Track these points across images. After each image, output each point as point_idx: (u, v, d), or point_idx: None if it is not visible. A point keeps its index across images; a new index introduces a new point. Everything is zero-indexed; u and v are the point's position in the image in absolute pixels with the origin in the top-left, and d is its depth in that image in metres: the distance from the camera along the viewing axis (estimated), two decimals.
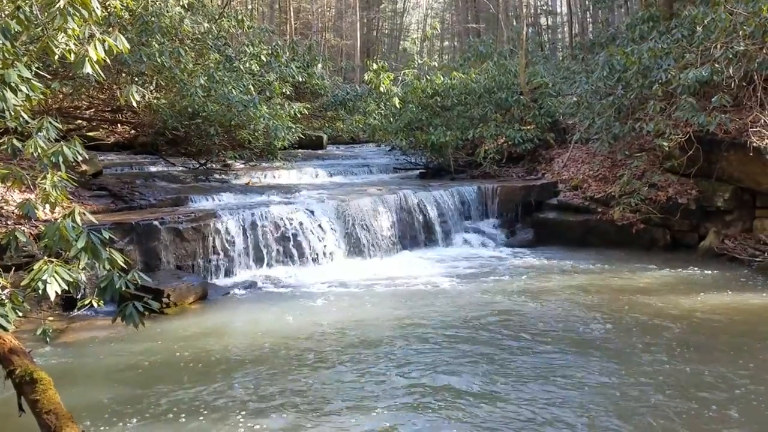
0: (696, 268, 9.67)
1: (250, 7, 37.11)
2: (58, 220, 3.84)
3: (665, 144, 10.60)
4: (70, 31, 4.01)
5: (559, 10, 38.31)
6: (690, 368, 5.77)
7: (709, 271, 9.50)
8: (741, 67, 9.86)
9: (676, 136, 10.48)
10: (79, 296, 6.85)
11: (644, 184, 11.02)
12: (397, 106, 15.09)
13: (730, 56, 9.71)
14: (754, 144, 9.72)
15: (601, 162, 12.48)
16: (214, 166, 15.03)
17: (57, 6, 3.90)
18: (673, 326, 6.95)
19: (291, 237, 9.98)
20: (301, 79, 16.58)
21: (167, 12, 10.97)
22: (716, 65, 9.79)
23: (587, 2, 25.30)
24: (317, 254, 10.11)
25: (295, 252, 9.95)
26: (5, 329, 3.80)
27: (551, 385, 5.43)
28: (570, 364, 5.91)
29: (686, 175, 10.92)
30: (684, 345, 6.40)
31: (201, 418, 4.88)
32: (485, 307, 7.74)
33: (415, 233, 11.47)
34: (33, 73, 4.36)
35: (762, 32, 9.54)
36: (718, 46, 9.92)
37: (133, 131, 16.27)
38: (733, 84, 9.94)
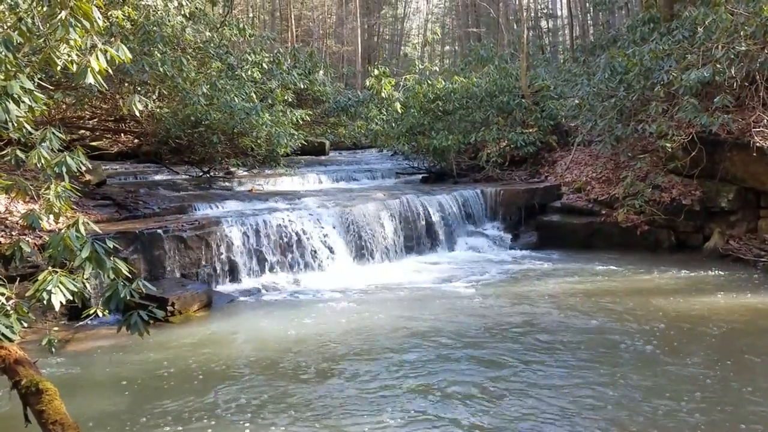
0: (703, 270, 9.64)
1: (251, 15, 37.29)
2: (63, 231, 3.84)
3: (668, 145, 10.60)
4: (72, 42, 4.02)
5: (559, 13, 38.37)
6: (728, 379, 5.53)
7: (717, 272, 9.47)
8: (743, 68, 9.85)
9: (678, 137, 10.48)
10: (83, 306, 6.86)
11: (648, 186, 11.01)
12: (399, 111, 15.08)
13: (732, 56, 9.70)
14: (758, 144, 9.71)
15: (604, 164, 12.46)
16: (217, 173, 15.06)
17: (59, 17, 3.92)
18: (696, 330, 6.81)
19: (295, 243, 9.99)
20: (302, 86, 16.62)
21: (169, 21, 11.00)
22: (718, 66, 9.78)
23: (588, 5, 25.33)
24: (321, 260, 10.11)
25: (299, 258, 9.95)
26: (10, 340, 3.80)
27: (571, 397, 5.21)
28: (591, 374, 5.68)
29: (690, 176, 10.91)
30: (713, 351, 6.21)
31: (205, 426, 4.86)
32: (493, 312, 7.71)
33: (418, 238, 11.46)
34: (35, 84, 4.38)
35: (763, 32, 9.54)
36: (720, 47, 9.91)
37: (136, 140, 16.33)
38: (735, 84, 9.94)
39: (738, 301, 7.95)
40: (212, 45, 13.06)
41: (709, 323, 7.04)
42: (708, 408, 5.00)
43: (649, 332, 6.81)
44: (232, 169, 15.17)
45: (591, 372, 5.77)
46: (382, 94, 14.73)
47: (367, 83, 15.42)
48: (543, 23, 37.20)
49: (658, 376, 5.66)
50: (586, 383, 5.52)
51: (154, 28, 10.29)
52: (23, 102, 3.94)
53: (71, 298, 3.80)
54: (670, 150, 10.76)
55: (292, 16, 36.41)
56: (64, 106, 12.43)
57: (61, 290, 3.72)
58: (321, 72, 19.54)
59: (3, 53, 3.79)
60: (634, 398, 5.19)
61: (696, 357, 6.08)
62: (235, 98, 12.11)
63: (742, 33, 9.74)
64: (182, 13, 11.93)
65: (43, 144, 4.22)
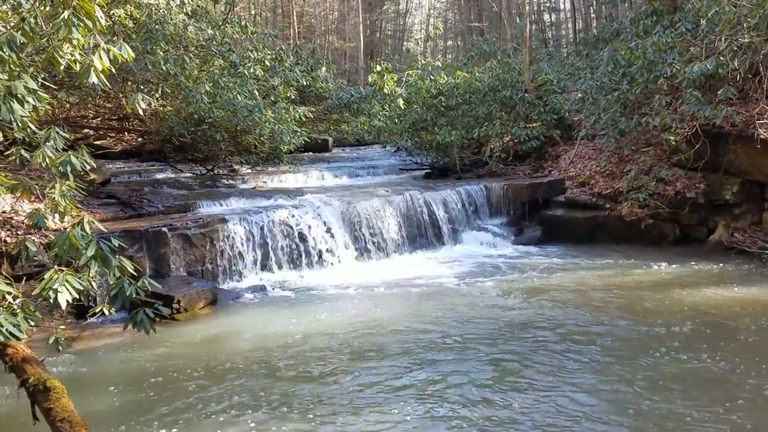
0: (710, 263, 9.57)
1: (253, 12, 37.23)
2: (68, 229, 3.87)
3: (672, 138, 10.56)
4: (75, 42, 4.04)
5: (562, 7, 38.24)
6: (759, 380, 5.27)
7: (724, 265, 9.41)
8: (746, 60, 9.80)
9: (682, 130, 10.45)
10: (89, 304, 6.90)
11: (652, 179, 10.98)
12: (402, 107, 15.09)
13: (735, 49, 9.66)
14: (762, 136, 9.67)
15: (607, 158, 12.44)
16: (220, 171, 15.08)
17: (61, 17, 3.94)
18: (724, 327, 6.61)
19: (299, 240, 10.01)
20: (305, 83, 16.64)
21: (171, 20, 11.01)
22: (721, 58, 9.74)
23: None
24: (325, 257, 10.12)
25: (303, 255, 9.97)
26: (18, 338, 3.83)
27: (595, 403, 5.02)
28: (615, 377, 5.48)
29: (694, 169, 10.88)
30: (747, 351, 5.94)
31: (212, 424, 4.89)
32: (501, 308, 7.68)
33: (422, 234, 11.47)
34: (39, 84, 4.40)
35: (766, 24, 9.49)
36: (723, 39, 9.87)
37: (140, 139, 16.34)
38: (738, 76, 9.89)
39: (757, 296, 7.78)
40: (214, 43, 13.07)
41: (735, 320, 6.85)
42: (750, 415, 4.71)
43: (674, 330, 6.61)
44: (236, 167, 15.20)
45: (615, 374, 5.53)
46: (385, 90, 14.74)
47: (370, 79, 15.44)
48: (546, 17, 37.09)
49: (691, 379, 5.41)
50: (611, 388, 5.27)
51: (157, 26, 10.31)
52: (27, 102, 3.96)
53: (77, 296, 3.83)
54: (673, 143, 10.73)
55: (294, 13, 36.38)
56: (67, 106, 12.47)
57: (67, 289, 3.75)
58: (323, 69, 19.57)
59: (7, 53, 3.81)
60: (671, 401, 4.97)
61: (732, 359, 5.78)
62: (238, 96, 12.13)
63: (745, 25, 9.69)
64: (184, 11, 11.94)
65: (47, 143, 4.25)
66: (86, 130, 14.37)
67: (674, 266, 9.47)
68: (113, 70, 4.22)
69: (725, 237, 10.47)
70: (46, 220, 4.47)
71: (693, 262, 9.62)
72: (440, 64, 20.76)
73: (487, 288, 8.65)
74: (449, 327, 7.01)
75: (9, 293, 3.92)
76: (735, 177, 10.65)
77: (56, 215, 4.50)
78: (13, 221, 8.19)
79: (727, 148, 10.51)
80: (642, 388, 5.26)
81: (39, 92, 4.12)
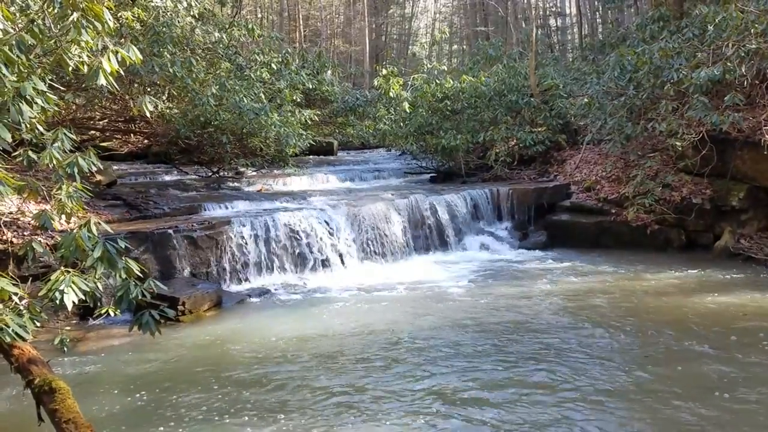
0: (717, 269, 9.50)
1: (259, 15, 37.39)
2: (74, 231, 3.88)
3: (678, 144, 10.53)
4: (83, 44, 4.06)
5: (568, 12, 38.22)
6: None
7: (730, 272, 9.34)
8: (753, 66, 9.78)
9: (689, 135, 10.41)
10: (95, 305, 6.90)
11: (658, 185, 10.95)
12: (407, 110, 15.09)
13: (742, 54, 9.63)
14: None
15: (613, 163, 12.41)
16: (226, 174, 15.12)
17: (70, 19, 3.96)
18: (747, 335, 6.48)
19: (304, 243, 10.01)
20: (311, 86, 16.64)
21: (178, 22, 11.05)
22: (728, 64, 9.71)
23: (596, 3, 25.22)
24: (330, 260, 10.12)
25: (308, 258, 9.97)
26: (24, 339, 3.84)
27: (595, 410, 4.95)
28: (608, 382, 5.42)
29: (700, 175, 10.84)
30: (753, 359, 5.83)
31: (215, 427, 4.88)
32: (504, 313, 7.64)
33: (427, 237, 11.45)
34: (47, 85, 4.42)
35: None
36: (730, 45, 9.84)
37: (146, 141, 16.42)
38: (745, 82, 9.86)
39: (759, 302, 7.68)
40: (221, 45, 13.11)
41: (758, 329, 6.69)
42: None
43: (695, 338, 6.45)
44: (242, 169, 15.23)
45: (634, 387, 5.40)
46: (390, 94, 14.76)
47: (375, 83, 15.46)
48: (552, 21, 37.07)
49: (722, 397, 5.15)
50: (636, 405, 5.05)
51: (164, 29, 10.35)
52: (36, 103, 3.98)
53: (83, 297, 3.84)
54: (680, 149, 10.70)
55: (300, 17, 36.49)
56: (74, 107, 12.52)
57: (73, 290, 3.76)
58: (329, 72, 19.56)
59: (16, 55, 3.83)
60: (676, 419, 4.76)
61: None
62: (244, 99, 12.15)
63: (752, 31, 9.66)
64: (191, 13, 11.98)
65: (54, 145, 4.27)
66: (93, 132, 14.43)
67: (680, 273, 9.42)
68: (121, 71, 4.23)
69: (731, 243, 10.42)
70: (52, 221, 4.49)
71: (700, 269, 9.56)
72: (446, 68, 20.80)
73: (491, 292, 8.62)
74: (454, 332, 6.98)
75: (15, 294, 3.93)
76: (741, 183, 10.62)
77: (63, 216, 4.51)
78: (19, 222, 8.22)
79: (734, 154, 10.48)
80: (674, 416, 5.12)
81: (47, 94, 4.14)
